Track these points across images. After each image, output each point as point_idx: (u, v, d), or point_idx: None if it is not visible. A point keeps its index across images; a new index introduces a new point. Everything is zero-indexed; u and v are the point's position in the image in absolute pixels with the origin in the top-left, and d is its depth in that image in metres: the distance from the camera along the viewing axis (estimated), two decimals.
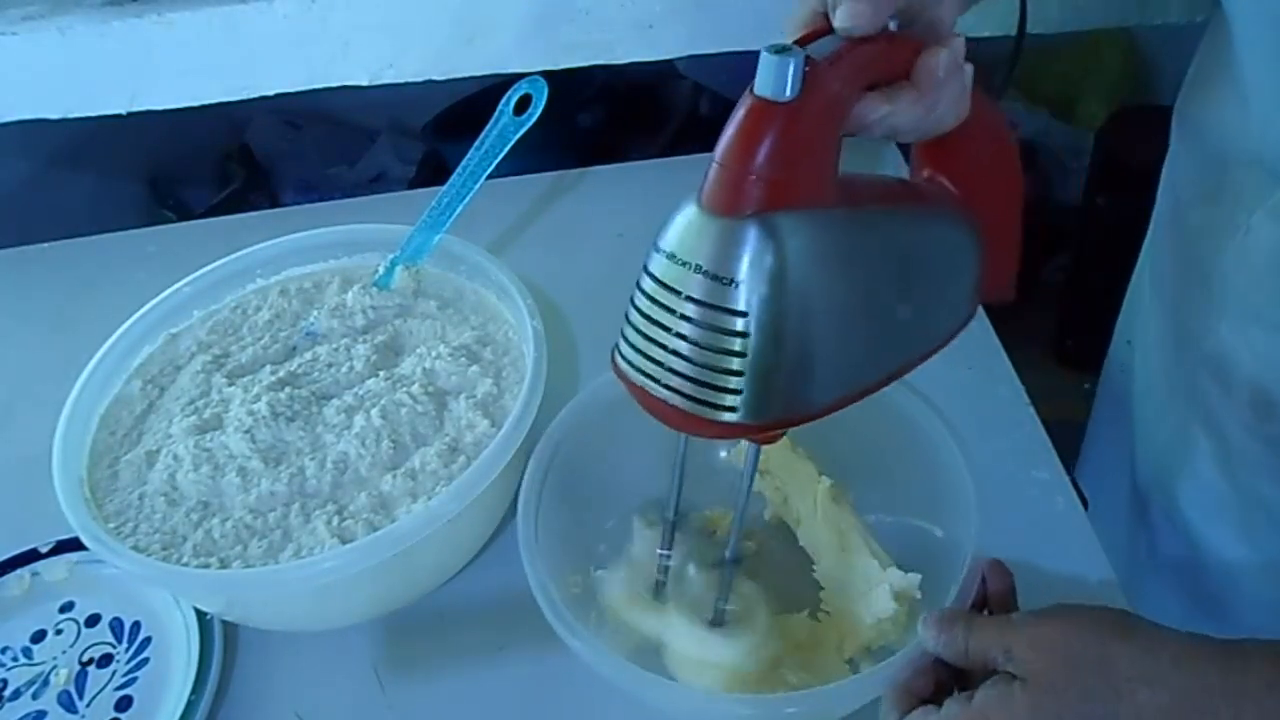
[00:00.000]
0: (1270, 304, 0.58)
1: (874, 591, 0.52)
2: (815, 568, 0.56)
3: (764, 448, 0.47)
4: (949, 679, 0.47)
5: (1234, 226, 0.58)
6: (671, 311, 0.40)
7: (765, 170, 0.38)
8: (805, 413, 0.42)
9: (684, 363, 0.40)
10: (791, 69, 0.38)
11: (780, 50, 0.38)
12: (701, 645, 0.53)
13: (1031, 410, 0.70)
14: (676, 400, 0.41)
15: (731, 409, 0.40)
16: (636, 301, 0.42)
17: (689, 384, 0.40)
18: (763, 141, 0.38)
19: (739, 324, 0.39)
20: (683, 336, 0.40)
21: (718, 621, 0.53)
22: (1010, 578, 0.51)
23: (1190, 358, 0.65)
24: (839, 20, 0.39)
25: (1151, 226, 0.70)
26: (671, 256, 0.40)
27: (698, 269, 0.39)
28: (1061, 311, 1.55)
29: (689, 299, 0.40)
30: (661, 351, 0.41)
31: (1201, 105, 0.61)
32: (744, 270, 0.39)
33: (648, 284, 0.41)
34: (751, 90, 0.39)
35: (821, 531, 0.55)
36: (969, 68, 0.43)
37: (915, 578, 0.52)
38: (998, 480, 0.55)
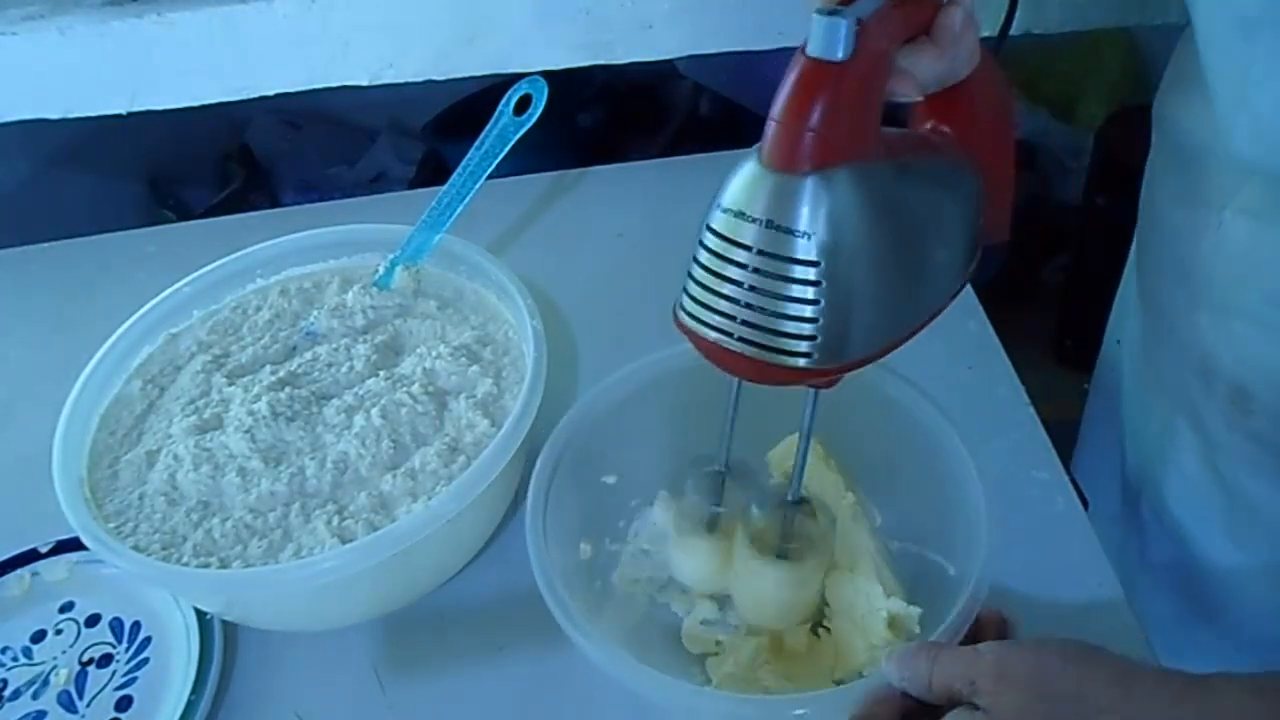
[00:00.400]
0: (1245, 298, 0.58)
1: (872, 617, 0.52)
2: (825, 583, 0.56)
3: (789, 463, 0.52)
4: (916, 710, 0.45)
5: (1208, 223, 0.59)
6: (742, 266, 0.42)
7: (823, 127, 0.40)
8: (867, 355, 0.45)
9: (756, 313, 0.42)
10: (844, 30, 0.40)
11: (830, 12, 0.40)
12: (767, 578, 0.54)
13: (1031, 410, 0.70)
14: (750, 350, 0.43)
15: (806, 354, 0.42)
16: (701, 259, 0.43)
17: (763, 334, 0.43)
18: (819, 100, 0.40)
19: (811, 273, 0.41)
20: (755, 289, 0.42)
21: (782, 556, 0.54)
22: (999, 617, 0.50)
23: (1173, 354, 0.66)
24: None
25: (1137, 225, 0.71)
26: (740, 214, 0.42)
27: (768, 224, 0.41)
28: (1061, 311, 1.55)
29: (760, 252, 0.42)
30: (732, 305, 0.43)
31: (1174, 104, 0.63)
32: (814, 222, 0.41)
33: (713, 241, 0.43)
34: (803, 51, 0.41)
35: (838, 548, 0.55)
36: (978, 19, 0.45)
37: (915, 611, 0.51)
38: (998, 480, 0.55)
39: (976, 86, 0.48)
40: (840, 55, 0.40)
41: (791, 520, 0.54)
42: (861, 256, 0.42)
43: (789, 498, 0.53)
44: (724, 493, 0.57)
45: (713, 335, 0.44)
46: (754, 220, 0.42)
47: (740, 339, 0.43)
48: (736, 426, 0.55)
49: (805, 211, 0.41)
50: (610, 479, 0.61)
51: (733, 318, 0.43)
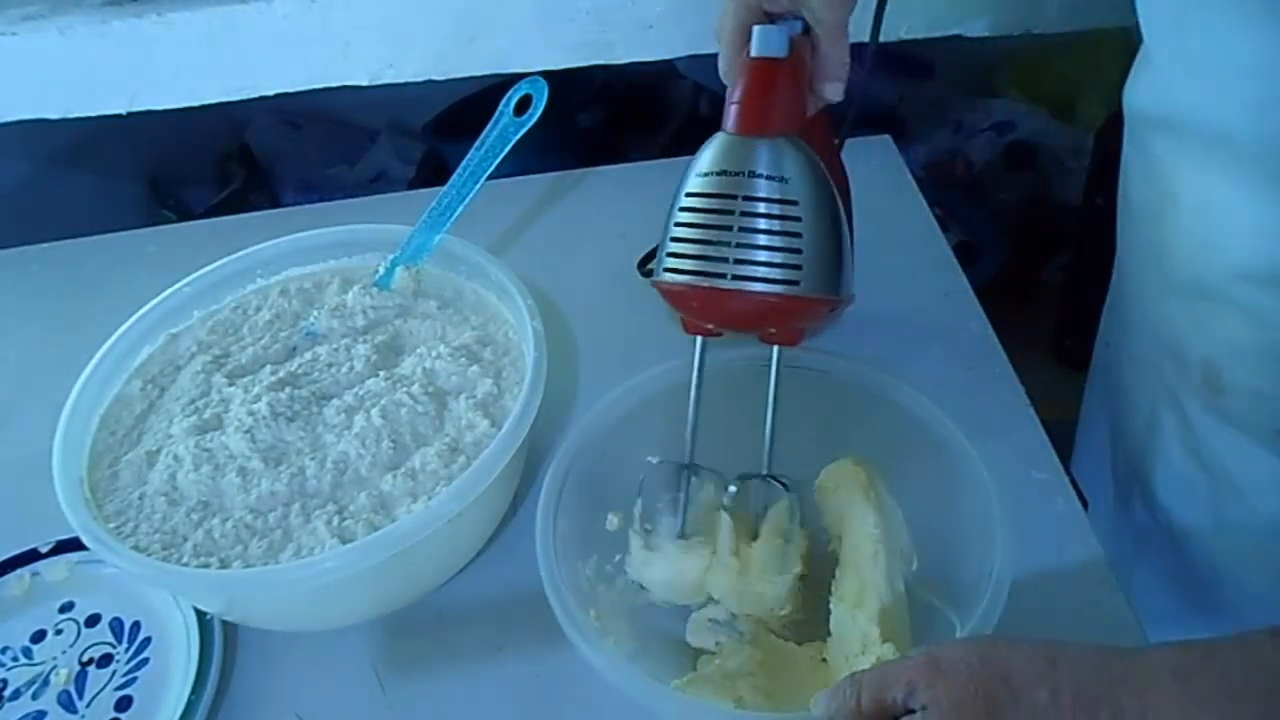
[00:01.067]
0: (1207, 274, 0.58)
1: (861, 659, 0.51)
2: (831, 615, 0.55)
3: (835, 490, 0.57)
4: None
5: (1167, 201, 0.60)
6: (729, 213, 0.51)
7: (779, 104, 0.53)
8: (834, 289, 0.53)
9: (748, 250, 0.51)
10: (785, 36, 0.53)
11: (771, 25, 0.54)
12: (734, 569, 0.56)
13: (1031, 410, 0.70)
14: (746, 285, 0.51)
15: (795, 282, 0.51)
16: (684, 220, 0.52)
17: (756, 267, 0.51)
18: (776, 85, 0.53)
19: (795, 210, 0.51)
20: (745, 229, 0.51)
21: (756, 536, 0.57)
22: None
23: (1150, 341, 0.67)
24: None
25: (1118, 219, 0.71)
26: (722, 172, 0.52)
27: (750, 174, 0.51)
28: (1061, 311, 1.55)
29: (746, 198, 0.51)
30: (723, 248, 0.51)
31: (1134, 85, 0.63)
32: (788, 169, 0.51)
33: (695, 201, 0.52)
34: (749, 54, 0.53)
35: (850, 582, 0.55)
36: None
37: None
38: (997, 480, 0.55)
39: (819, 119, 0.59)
40: (783, 54, 0.53)
41: (761, 496, 0.57)
42: (819, 199, 0.52)
43: (763, 471, 0.56)
44: (689, 491, 0.57)
45: (706, 282, 0.51)
46: (737, 174, 0.51)
47: (734, 277, 0.51)
48: (702, 430, 0.57)
49: (782, 160, 0.51)
50: (620, 486, 0.61)
51: (724, 259, 0.51)
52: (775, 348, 0.55)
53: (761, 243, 0.50)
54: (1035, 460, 0.66)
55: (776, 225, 0.51)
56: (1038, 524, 0.63)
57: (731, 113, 0.53)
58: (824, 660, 0.55)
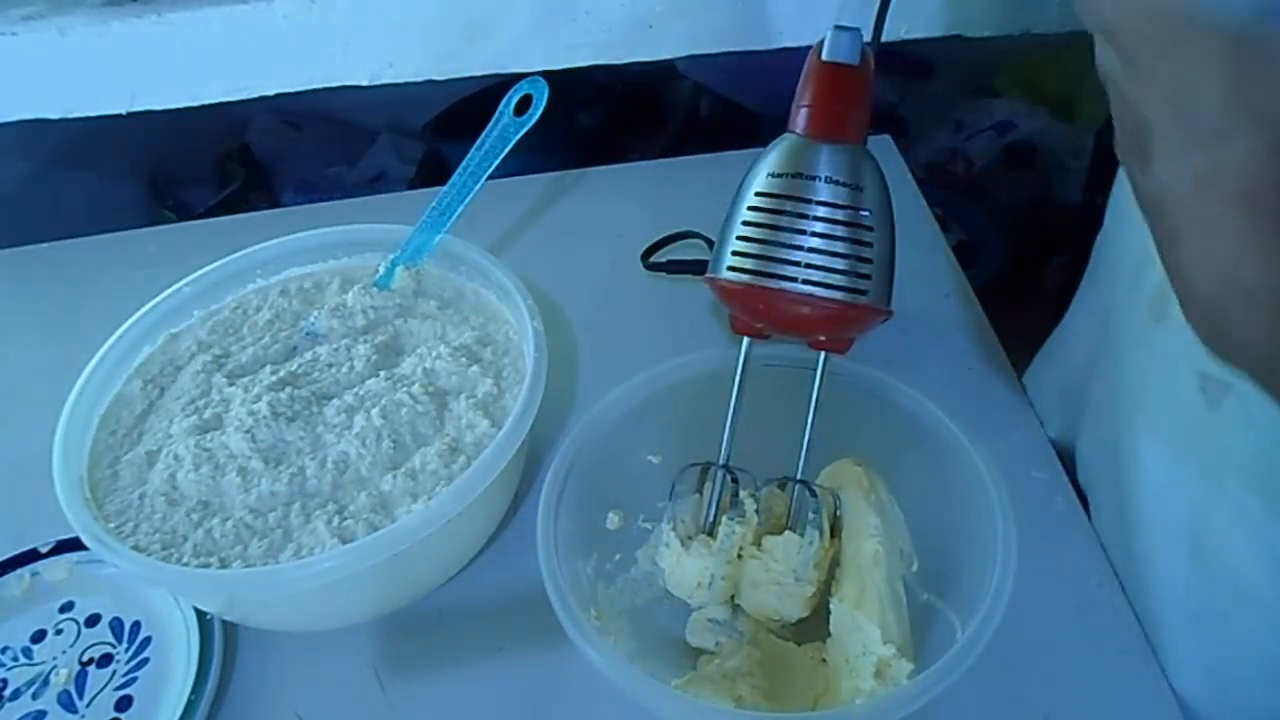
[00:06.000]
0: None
1: (861, 659, 0.51)
2: (831, 616, 0.55)
3: (840, 491, 0.57)
4: None
5: (1119, 181, 0.59)
6: (804, 216, 0.51)
7: (854, 113, 0.53)
8: (889, 304, 0.53)
9: (823, 256, 0.51)
10: (860, 42, 0.53)
11: (844, 29, 0.53)
12: (776, 549, 0.56)
13: (1032, 410, 0.70)
14: (818, 291, 0.51)
15: (864, 291, 0.51)
16: (752, 219, 0.52)
17: (828, 274, 0.51)
18: (849, 91, 0.53)
19: (868, 218, 0.51)
20: (819, 234, 0.51)
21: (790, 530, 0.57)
22: None
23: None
24: None
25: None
26: (796, 174, 0.51)
27: (828, 179, 0.51)
28: (1061, 311, 1.55)
29: (822, 203, 0.51)
30: (795, 252, 0.51)
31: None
32: (863, 178, 0.51)
33: (765, 201, 0.52)
34: (820, 57, 0.53)
35: (850, 583, 0.55)
36: None
37: (906, 665, 0.50)
38: (997, 480, 0.55)
39: None
40: (855, 60, 0.52)
41: (793, 497, 0.57)
42: (886, 210, 0.52)
43: (797, 475, 0.56)
44: (722, 492, 0.57)
45: (773, 284, 0.51)
46: (811, 178, 0.51)
47: (805, 281, 0.51)
48: (737, 429, 0.56)
49: (857, 168, 0.51)
50: (622, 486, 0.61)
51: (795, 263, 0.51)
52: (821, 354, 0.55)
53: (836, 249, 0.50)
54: (1035, 460, 0.66)
55: (850, 233, 0.51)
56: (1038, 524, 0.63)
57: (803, 115, 0.52)
58: (824, 660, 0.55)
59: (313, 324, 0.70)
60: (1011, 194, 1.55)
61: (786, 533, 0.56)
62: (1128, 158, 0.38)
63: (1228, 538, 0.51)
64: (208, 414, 0.63)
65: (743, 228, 0.52)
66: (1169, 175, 0.36)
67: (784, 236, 0.51)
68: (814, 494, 0.56)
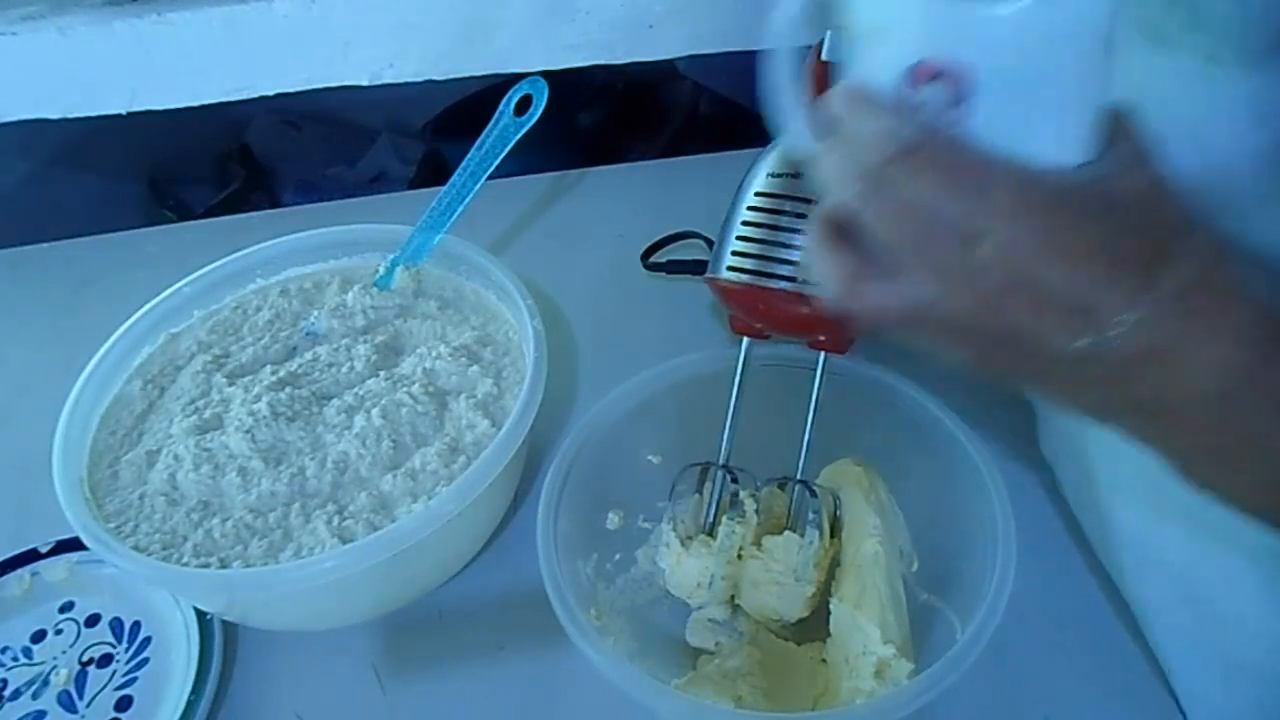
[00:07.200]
0: None
1: (861, 659, 0.52)
2: (831, 616, 0.55)
3: (840, 492, 0.57)
4: None
5: None
6: (803, 215, 0.50)
7: None
8: None
9: None
10: None
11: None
12: (776, 548, 0.56)
13: (1032, 411, 0.70)
14: (817, 291, 0.50)
15: None
16: (753, 219, 0.51)
17: None
18: None
19: None
20: None
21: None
22: None
23: None
24: None
25: None
26: (796, 175, 0.50)
27: None
28: None
29: None
30: (796, 251, 0.50)
31: None
32: None
33: (765, 201, 0.51)
34: (820, 57, 0.50)
35: (850, 583, 0.55)
36: None
37: (906, 666, 0.50)
38: (997, 480, 0.55)
39: None
40: None
41: (793, 497, 0.57)
42: None
43: (797, 476, 0.56)
44: (722, 492, 0.57)
45: (773, 284, 0.51)
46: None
47: (805, 281, 0.50)
48: (737, 429, 0.56)
49: None
50: (621, 485, 0.61)
51: (794, 263, 0.50)
52: (821, 354, 0.55)
53: None
54: (1035, 460, 0.66)
55: None
56: (1038, 524, 0.63)
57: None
58: (824, 660, 0.56)
59: (313, 324, 0.70)
60: None
61: (786, 533, 0.56)
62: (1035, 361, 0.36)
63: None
64: (208, 414, 0.63)
65: (742, 228, 0.52)
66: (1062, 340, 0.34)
67: (784, 236, 0.51)
68: (814, 494, 0.56)
